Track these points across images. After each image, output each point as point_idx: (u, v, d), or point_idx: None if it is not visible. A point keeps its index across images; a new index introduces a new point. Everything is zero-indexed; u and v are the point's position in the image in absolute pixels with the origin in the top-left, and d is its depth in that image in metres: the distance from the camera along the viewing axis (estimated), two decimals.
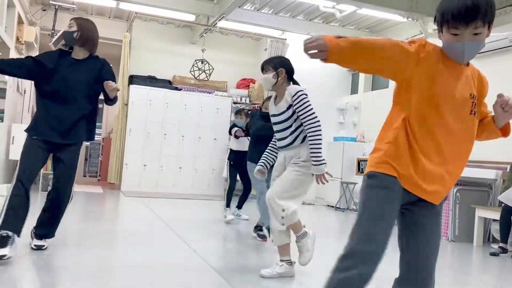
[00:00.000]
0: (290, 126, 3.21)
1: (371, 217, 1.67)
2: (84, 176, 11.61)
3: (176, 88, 9.17)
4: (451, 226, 5.61)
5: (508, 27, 5.90)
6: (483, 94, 1.82)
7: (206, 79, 8.96)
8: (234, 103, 9.42)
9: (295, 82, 3.38)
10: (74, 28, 3.41)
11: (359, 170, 8.26)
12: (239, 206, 6.01)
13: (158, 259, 3.54)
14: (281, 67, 3.31)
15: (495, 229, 5.41)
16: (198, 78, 8.93)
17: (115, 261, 3.38)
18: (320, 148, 3.12)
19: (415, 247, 1.79)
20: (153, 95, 8.86)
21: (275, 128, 3.32)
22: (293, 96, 3.18)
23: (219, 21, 8.04)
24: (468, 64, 1.78)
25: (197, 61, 8.88)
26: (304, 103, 3.18)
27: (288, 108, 3.21)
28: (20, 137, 7.20)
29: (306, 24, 8.77)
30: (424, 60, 1.70)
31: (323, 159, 3.11)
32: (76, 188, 8.76)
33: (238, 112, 6.31)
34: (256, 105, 9.32)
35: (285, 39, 9.12)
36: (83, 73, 3.36)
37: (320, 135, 3.14)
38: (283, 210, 3.08)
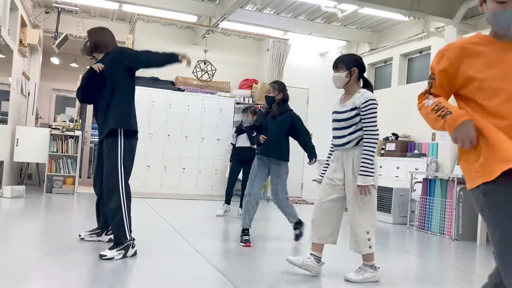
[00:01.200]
0: (349, 127, 3.23)
1: None
2: (89, 177, 11.64)
3: (179, 89, 9.19)
4: (455, 224, 5.61)
5: None
6: None
7: (208, 79, 8.98)
8: (237, 103, 9.43)
9: (366, 80, 3.39)
10: (87, 40, 3.74)
11: None
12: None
13: (161, 259, 3.56)
14: (354, 66, 3.30)
15: None
16: (201, 79, 8.95)
17: (118, 263, 3.40)
18: (372, 160, 3.15)
19: None
20: (156, 96, 8.88)
21: (334, 125, 3.34)
22: (364, 102, 3.18)
23: (221, 22, 8.05)
24: None
25: (199, 62, 8.91)
26: (372, 112, 3.18)
27: (352, 110, 3.22)
28: (24, 139, 7.25)
29: (308, 24, 8.78)
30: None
31: (372, 171, 3.13)
32: (80, 189, 8.84)
33: (245, 110, 6.37)
34: (259, 105, 9.33)
35: (287, 39, 9.13)
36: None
37: (375, 148, 3.18)
38: (368, 233, 3.19)
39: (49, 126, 7.97)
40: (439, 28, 7.38)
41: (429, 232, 5.99)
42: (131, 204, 3.54)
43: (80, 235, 3.99)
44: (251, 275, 3.27)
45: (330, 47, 9.62)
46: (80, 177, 9.54)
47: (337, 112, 3.33)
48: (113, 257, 3.37)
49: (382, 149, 7.86)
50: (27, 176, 8.80)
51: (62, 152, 7.37)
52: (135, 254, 3.52)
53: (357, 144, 3.23)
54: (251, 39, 10.01)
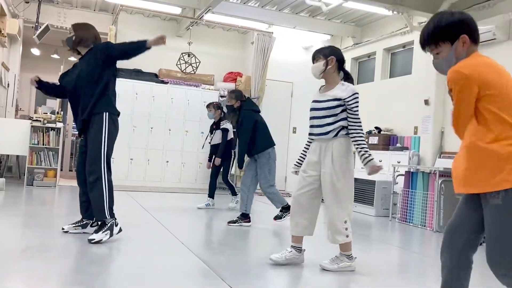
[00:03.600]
0: (329, 117, 3.28)
1: None
2: (70, 170, 11.50)
3: (163, 82, 9.12)
4: (436, 217, 5.70)
5: (492, 20, 5.99)
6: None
7: (192, 72, 8.93)
8: (221, 96, 9.39)
9: (347, 72, 3.45)
10: (72, 34, 3.89)
11: None
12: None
13: (145, 251, 3.54)
14: (331, 55, 3.34)
15: None
16: (184, 71, 8.89)
17: (101, 256, 3.38)
18: (367, 146, 3.31)
19: None
20: (139, 89, 8.80)
21: (312, 114, 3.39)
22: (351, 95, 3.26)
23: (205, 14, 8.00)
24: None
25: (183, 54, 8.84)
26: (357, 105, 3.29)
27: (335, 100, 3.27)
28: (3, 131, 7.12)
29: (292, 17, 8.78)
30: None
31: (371, 155, 3.30)
32: (62, 182, 8.72)
33: (208, 106, 6.60)
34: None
35: (272, 33, 9.12)
36: (83, 67, 3.76)
37: (363, 137, 3.32)
38: (345, 222, 3.24)
39: (30, 118, 7.84)
40: (422, 22, 7.46)
41: (411, 224, 6.08)
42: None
43: (63, 228, 3.94)
44: (237, 265, 3.28)
45: (314, 41, 9.64)
46: (61, 169, 9.42)
47: (317, 101, 3.36)
48: (101, 239, 3.57)
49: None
50: (7, 169, 8.65)
51: (43, 144, 7.26)
52: (120, 231, 3.76)
53: (336, 135, 3.27)
54: (235, 32, 9.97)
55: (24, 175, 7.37)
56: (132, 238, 3.94)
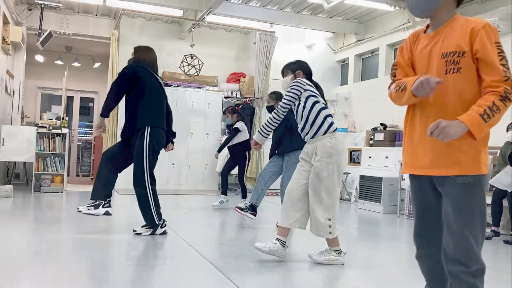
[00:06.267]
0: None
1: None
2: (77, 175, 11.56)
3: (166, 84, 9.11)
4: None
5: (495, 13, 5.95)
6: (475, 49, 1.76)
7: (196, 74, 8.94)
8: (225, 97, 9.40)
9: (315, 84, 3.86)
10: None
11: (351, 160, 8.30)
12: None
13: (151, 252, 3.55)
14: (298, 69, 3.89)
15: (487, 213, 5.47)
16: (188, 73, 8.90)
17: (109, 260, 3.39)
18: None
19: None
20: None
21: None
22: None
23: (207, 15, 8.01)
24: (448, 24, 1.83)
25: (186, 57, 8.85)
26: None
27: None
28: (10, 138, 7.16)
29: (294, 16, 8.76)
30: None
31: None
32: (69, 187, 8.75)
33: (224, 113, 6.66)
34: (247, 99, 9.32)
35: (274, 32, 9.11)
36: None
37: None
38: (329, 219, 3.27)
39: (36, 125, 7.88)
40: None
41: None
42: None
43: (78, 208, 4.04)
44: (243, 264, 3.27)
45: (317, 39, 9.62)
46: (68, 175, 9.46)
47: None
48: (141, 233, 4.07)
49: (371, 139, 7.91)
50: (14, 176, 8.70)
51: (49, 150, 7.29)
52: (164, 233, 4.14)
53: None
54: (237, 33, 9.97)
55: (32, 181, 7.41)
56: (137, 240, 3.95)
